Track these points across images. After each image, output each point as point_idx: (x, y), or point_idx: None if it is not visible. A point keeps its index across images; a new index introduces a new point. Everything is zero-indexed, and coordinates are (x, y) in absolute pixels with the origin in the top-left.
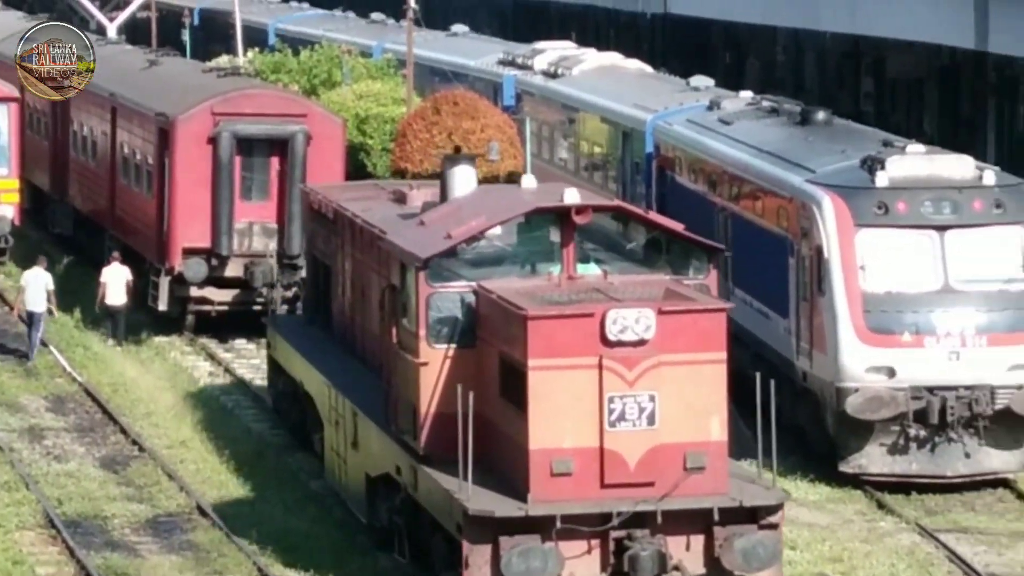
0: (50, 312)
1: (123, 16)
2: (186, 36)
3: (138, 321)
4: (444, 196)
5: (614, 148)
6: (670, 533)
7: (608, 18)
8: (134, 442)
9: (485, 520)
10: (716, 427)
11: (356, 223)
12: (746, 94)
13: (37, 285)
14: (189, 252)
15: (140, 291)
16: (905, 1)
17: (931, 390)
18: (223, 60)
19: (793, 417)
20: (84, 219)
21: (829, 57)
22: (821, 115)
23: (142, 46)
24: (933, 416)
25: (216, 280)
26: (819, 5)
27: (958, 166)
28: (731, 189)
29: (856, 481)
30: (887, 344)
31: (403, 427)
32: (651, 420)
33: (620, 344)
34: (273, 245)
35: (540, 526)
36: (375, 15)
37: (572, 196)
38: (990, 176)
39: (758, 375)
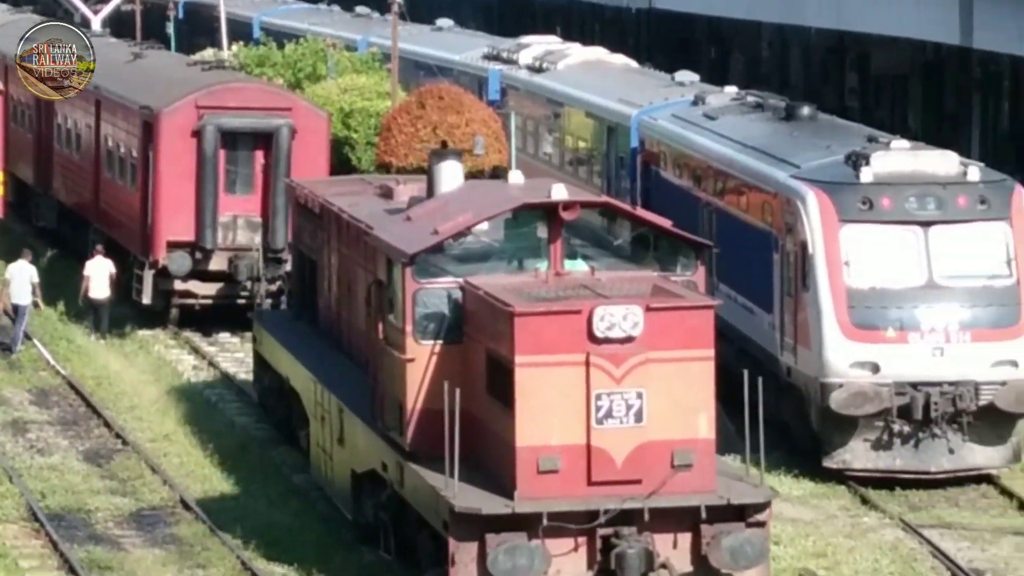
0: (36, 305)
1: (107, 9)
2: (170, 29)
3: (122, 314)
4: (431, 191)
5: (599, 143)
6: (657, 531)
7: (593, 13)
8: (118, 435)
9: (471, 517)
10: (704, 424)
11: (342, 218)
12: (731, 89)
13: (22, 278)
14: (173, 245)
15: (124, 284)
16: None
17: (915, 386)
18: (208, 53)
19: (777, 412)
20: (68, 212)
21: (814, 52)
22: (806, 110)
23: (126, 39)
24: (917, 412)
25: (200, 274)
26: (804, 0)
27: (942, 162)
28: (716, 184)
29: (840, 476)
30: (871, 340)
31: (389, 423)
32: (638, 417)
33: (607, 341)
34: (257, 239)
35: (527, 523)
36: (360, 9)
37: (559, 192)
38: (974, 172)
39: (746, 373)
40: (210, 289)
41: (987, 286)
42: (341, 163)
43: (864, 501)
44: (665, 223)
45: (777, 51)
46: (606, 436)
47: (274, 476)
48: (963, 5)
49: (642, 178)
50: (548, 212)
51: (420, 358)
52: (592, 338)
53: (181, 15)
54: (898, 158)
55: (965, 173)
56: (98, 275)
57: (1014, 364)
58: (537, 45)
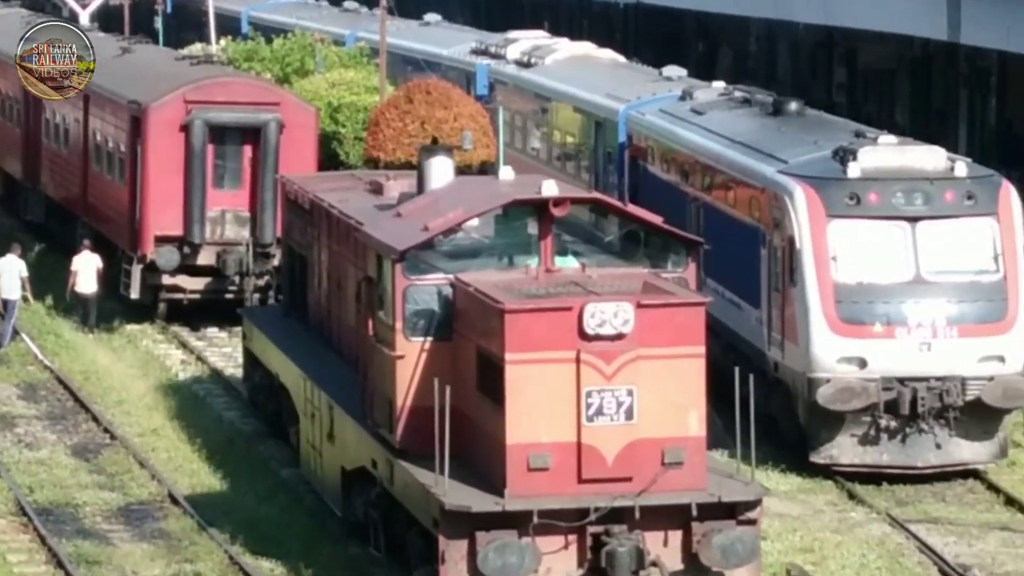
0: (25, 300)
1: (96, 3)
2: (159, 24)
3: (110, 309)
4: (421, 187)
5: (587, 138)
6: (648, 529)
7: (581, 7)
8: (106, 430)
9: (461, 515)
10: (694, 422)
11: (333, 214)
12: (719, 84)
13: (11, 273)
14: (161, 240)
15: (112, 279)
16: None
17: (902, 381)
18: (196, 48)
19: (764, 408)
20: (56, 207)
21: (802, 47)
22: (793, 106)
23: (115, 34)
24: (904, 407)
25: (188, 268)
26: None
27: (930, 157)
28: (703, 179)
29: (827, 471)
30: (859, 335)
31: (379, 420)
32: (629, 415)
33: (598, 338)
34: (245, 233)
35: (517, 521)
36: (348, 4)
37: (550, 188)
38: (962, 167)
39: (737, 370)
40: (198, 284)
41: (974, 281)
42: (329, 158)
43: (851, 496)
44: (656, 219)
45: (765, 46)
46: (597, 434)
47: (262, 471)
48: (951, 1)
49: (630, 173)
50: (539, 208)
51: (410, 355)
52: (583, 335)
53: (169, 10)
54: (885, 153)
55: (952, 168)
56: (85, 270)
57: (1001, 359)
58: (525, 40)
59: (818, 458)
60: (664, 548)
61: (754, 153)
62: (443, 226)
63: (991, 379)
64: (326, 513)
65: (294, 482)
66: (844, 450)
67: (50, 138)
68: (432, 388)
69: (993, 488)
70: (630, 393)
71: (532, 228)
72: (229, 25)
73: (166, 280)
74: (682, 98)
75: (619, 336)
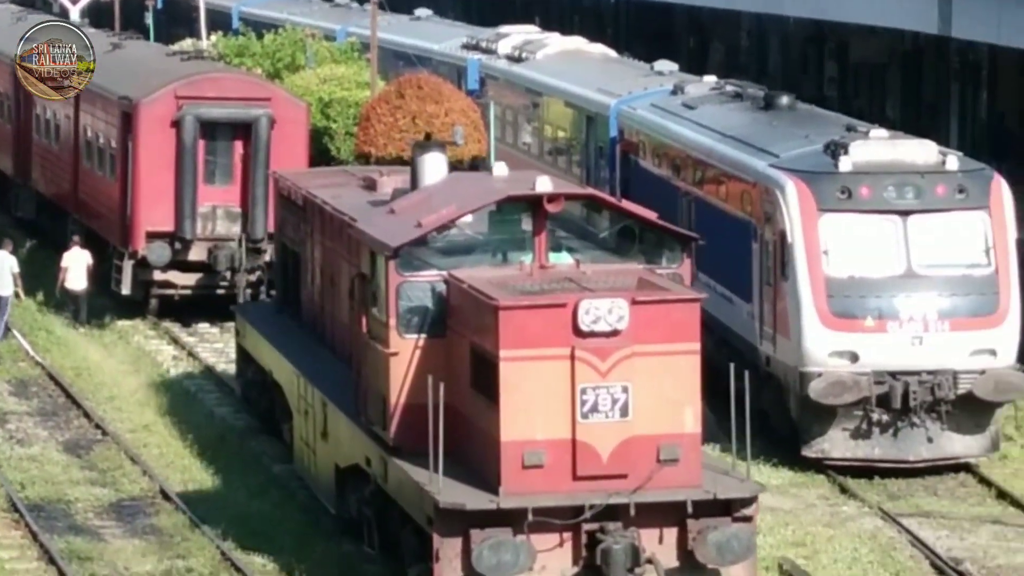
0: (16, 296)
1: None
2: (150, 19)
3: (101, 305)
4: (414, 183)
5: (578, 132)
6: (643, 526)
7: (572, 2)
8: (97, 426)
9: (456, 513)
10: (690, 419)
11: (326, 210)
12: (710, 79)
13: (2, 269)
14: (153, 236)
15: (103, 275)
16: None
17: (894, 375)
18: (187, 44)
19: (756, 402)
20: (47, 203)
21: (793, 42)
22: (785, 100)
23: (105, 29)
24: (896, 401)
25: (180, 264)
26: None
27: (921, 151)
28: (695, 174)
29: (819, 466)
30: (850, 329)
31: (373, 418)
32: (624, 412)
33: (593, 335)
34: (236, 229)
35: (511, 519)
36: None
37: (544, 184)
38: (953, 161)
39: (732, 366)
40: (189, 279)
41: (966, 275)
42: (320, 153)
43: (843, 490)
44: (651, 215)
45: (756, 40)
46: (591, 430)
47: (254, 466)
48: None
49: (621, 168)
50: (533, 204)
51: (404, 352)
52: (577, 332)
53: (160, 5)
54: (877, 147)
55: (944, 162)
56: (75, 266)
57: (992, 353)
58: (516, 35)
59: (810, 452)
60: (660, 545)
61: (745, 147)
62: (437, 222)
63: (983, 372)
64: (319, 509)
65: (286, 478)
66: (836, 444)
67: (41, 134)
68: (426, 385)
69: (985, 482)
70: (625, 390)
71: (526, 224)
72: (220, 20)
73: (157, 276)
74: (673, 93)
75: (614, 333)
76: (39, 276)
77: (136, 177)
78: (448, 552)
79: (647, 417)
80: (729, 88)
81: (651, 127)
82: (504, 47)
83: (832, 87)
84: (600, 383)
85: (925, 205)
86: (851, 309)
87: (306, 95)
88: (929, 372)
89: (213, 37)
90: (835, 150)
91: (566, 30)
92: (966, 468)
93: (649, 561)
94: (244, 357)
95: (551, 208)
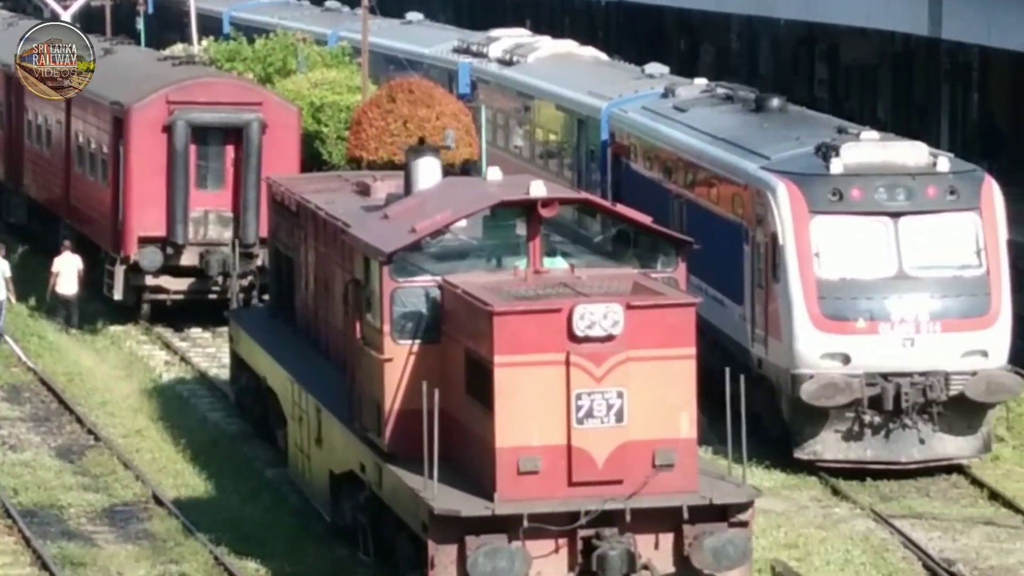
0: (8, 301)
1: (77, 4)
2: (140, 24)
3: (93, 310)
4: (408, 188)
5: (569, 136)
6: (639, 532)
7: (563, 5)
8: (90, 431)
9: (451, 519)
10: (685, 424)
11: (319, 216)
12: (701, 81)
13: None
14: (144, 241)
15: (95, 280)
16: None
17: (886, 376)
18: (178, 48)
19: (748, 404)
20: (39, 208)
21: (783, 44)
22: (776, 102)
23: (96, 34)
24: (888, 402)
25: (171, 269)
26: None
27: (912, 153)
28: (686, 176)
29: (811, 467)
30: (842, 331)
31: (367, 424)
32: (619, 417)
33: (588, 340)
34: (228, 234)
35: (507, 525)
36: (329, 3)
37: (538, 189)
38: (944, 163)
39: (728, 371)
40: (181, 284)
41: (957, 276)
42: (312, 157)
43: (835, 492)
44: (645, 219)
45: (747, 43)
46: (587, 436)
47: (246, 471)
48: None
49: (612, 171)
50: (527, 209)
51: (398, 358)
52: (572, 337)
53: (151, 10)
54: (868, 149)
55: (935, 164)
56: (67, 271)
57: (984, 354)
58: (507, 38)
59: (802, 454)
60: (655, 551)
61: (737, 149)
62: (431, 228)
63: (974, 374)
64: (311, 514)
65: (279, 482)
66: (828, 446)
67: (32, 139)
68: (420, 391)
69: (977, 483)
70: (620, 395)
71: (520, 229)
72: (211, 25)
73: (149, 281)
74: (664, 95)
75: (609, 338)
76: (31, 282)
77: (128, 182)
78: (443, 559)
79: (642, 422)
80: (720, 90)
81: (642, 130)
82: (495, 51)
83: (823, 89)
84: (595, 388)
85: (916, 207)
86: (843, 311)
87: (297, 99)
88: (921, 374)
89: (204, 42)
90: (826, 152)
91: (557, 33)
92: (958, 469)
93: (645, 567)
94: (238, 363)
95: (545, 213)
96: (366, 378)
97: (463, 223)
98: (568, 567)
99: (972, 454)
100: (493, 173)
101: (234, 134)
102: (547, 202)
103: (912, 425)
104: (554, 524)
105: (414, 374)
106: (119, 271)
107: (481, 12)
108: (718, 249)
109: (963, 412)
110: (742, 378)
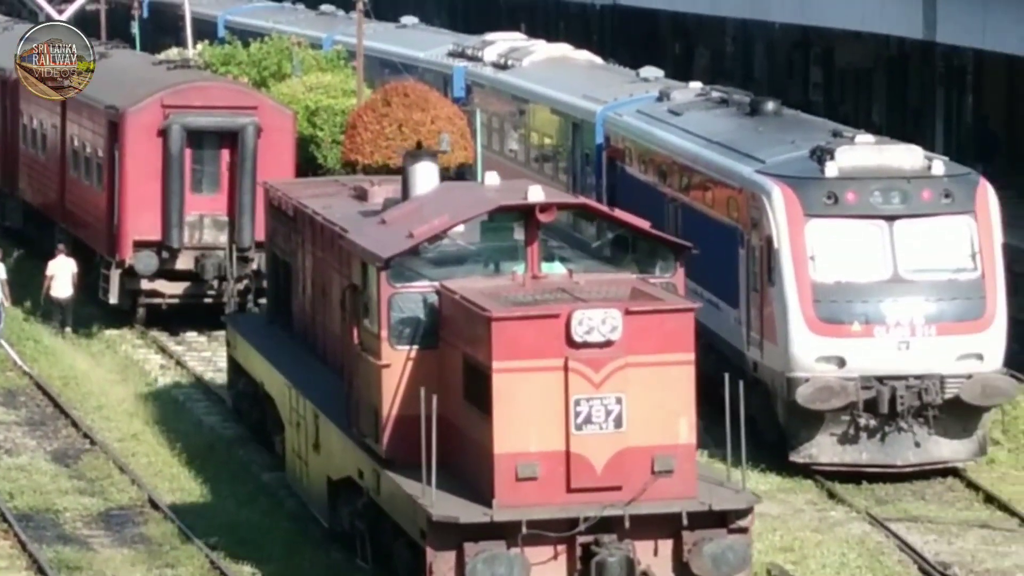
0: (1, 305)
1: (72, 9)
2: (135, 29)
3: (89, 314)
4: (406, 193)
5: (564, 139)
6: (638, 538)
7: (557, 9)
8: (86, 435)
9: (449, 526)
10: (684, 429)
11: (317, 221)
12: (696, 85)
13: None
14: (140, 245)
15: (91, 284)
16: None
17: (881, 380)
18: (173, 52)
19: (744, 407)
20: (35, 212)
21: (778, 47)
22: (770, 105)
23: (91, 39)
24: (883, 406)
25: (167, 273)
26: None
27: (907, 156)
28: (681, 180)
29: (807, 471)
30: (837, 334)
31: (365, 430)
32: (618, 423)
33: (586, 345)
34: (223, 238)
35: (505, 532)
36: (325, 7)
37: (536, 194)
38: (939, 166)
39: (727, 376)
40: (177, 288)
41: (952, 280)
42: (307, 161)
43: (831, 495)
44: (644, 224)
45: (741, 46)
46: (585, 442)
47: (242, 475)
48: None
49: (607, 174)
50: (525, 214)
51: (396, 364)
52: (571, 342)
53: (146, 14)
54: (863, 152)
55: (929, 167)
56: (61, 274)
57: (979, 357)
58: (502, 42)
59: (798, 457)
60: (655, 557)
61: (732, 153)
62: (428, 233)
63: (970, 377)
64: (308, 518)
65: (275, 486)
66: (823, 449)
67: (27, 144)
68: (418, 397)
69: (972, 486)
70: (619, 401)
71: (518, 234)
72: (206, 29)
73: (145, 285)
74: (659, 99)
75: (607, 343)
76: (27, 286)
77: (123, 186)
78: (442, 566)
79: (641, 428)
80: (715, 94)
81: (637, 133)
82: (490, 54)
83: (818, 92)
84: (594, 394)
85: (911, 210)
86: (838, 314)
87: (292, 103)
88: (916, 377)
89: (199, 46)
90: (821, 155)
91: (552, 37)
92: (954, 472)
93: (644, 573)
94: (235, 368)
95: (543, 218)
96: (364, 384)
97: (461, 228)
98: (567, 574)
99: (967, 457)
100: (491, 178)
101: (229, 138)
102: (545, 207)
103: (908, 428)
104: (553, 531)
105: (412, 380)
106: (114, 275)
107: (476, 16)
108: (713, 253)
109: (958, 415)
110: (741, 384)
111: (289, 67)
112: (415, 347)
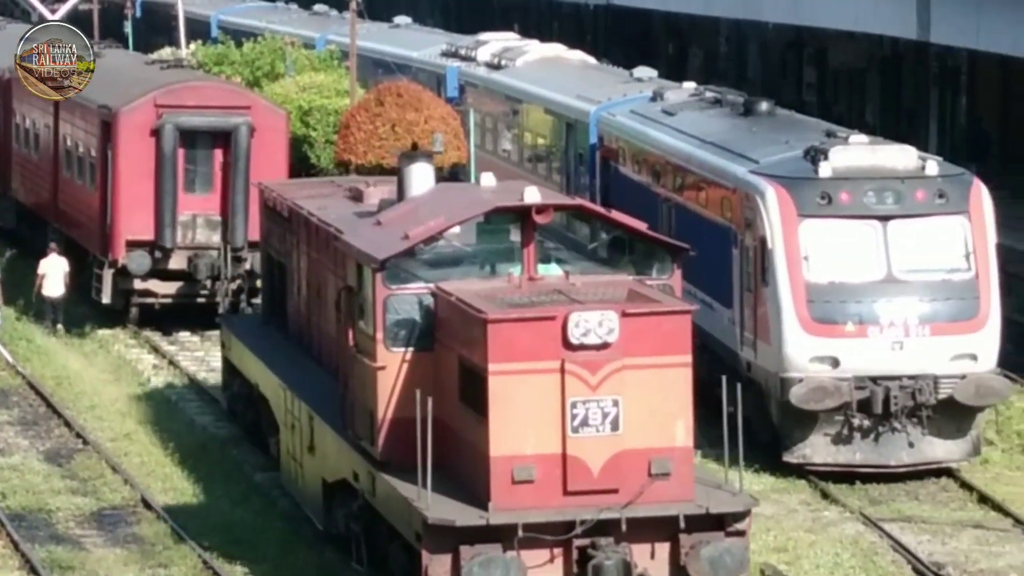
0: None
1: (65, 8)
2: (128, 28)
3: (81, 314)
4: (401, 194)
5: (558, 139)
6: (635, 541)
7: (551, 9)
8: (78, 435)
9: (445, 529)
10: (681, 432)
11: (312, 222)
12: (689, 85)
13: None
14: (133, 245)
15: (83, 284)
16: None
17: (875, 380)
18: (166, 52)
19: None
20: (27, 212)
21: (772, 47)
22: (764, 106)
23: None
24: (877, 406)
25: (160, 273)
26: None
27: (901, 156)
28: (675, 180)
29: (800, 471)
30: (831, 334)
31: (360, 432)
32: (615, 425)
33: (583, 348)
34: (216, 237)
35: (501, 535)
36: (318, 7)
37: (532, 195)
38: (932, 166)
39: (724, 378)
40: (170, 288)
41: (946, 280)
42: (300, 161)
43: (824, 495)
44: (641, 226)
45: (735, 46)
46: (582, 445)
47: (235, 475)
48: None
49: (601, 174)
50: (521, 215)
51: (391, 366)
52: (567, 345)
53: (139, 14)
54: (856, 153)
55: (923, 167)
56: (53, 273)
57: (973, 357)
58: (495, 42)
59: (791, 458)
60: (651, 561)
61: (725, 153)
62: (424, 234)
63: (963, 377)
64: (301, 518)
65: (268, 486)
66: (817, 449)
67: (20, 143)
68: (414, 399)
69: (966, 486)
70: (615, 403)
71: (515, 235)
72: (199, 29)
73: (138, 285)
74: (653, 99)
75: (604, 345)
76: (19, 285)
77: (116, 186)
78: (437, 569)
79: (638, 431)
80: (708, 94)
81: (631, 134)
82: (483, 54)
83: (811, 93)
84: (590, 397)
85: (905, 210)
86: (832, 314)
87: (286, 103)
88: (910, 377)
89: (192, 45)
90: (815, 156)
91: (545, 37)
92: (947, 473)
93: None
94: (230, 370)
95: (540, 219)
96: (359, 386)
97: (457, 229)
98: None
99: (961, 457)
100: (486, 179)
101: (222, 138)
102: (541, 208)
103: (901, 428)
104: (549, 534)
105: (407, 382)
106: (107, 275)
107: (469, 16)
108: (707, 253)
109: (952, 415)
110: (739, 387)
111: (282, 67)
112: (410, 349)
